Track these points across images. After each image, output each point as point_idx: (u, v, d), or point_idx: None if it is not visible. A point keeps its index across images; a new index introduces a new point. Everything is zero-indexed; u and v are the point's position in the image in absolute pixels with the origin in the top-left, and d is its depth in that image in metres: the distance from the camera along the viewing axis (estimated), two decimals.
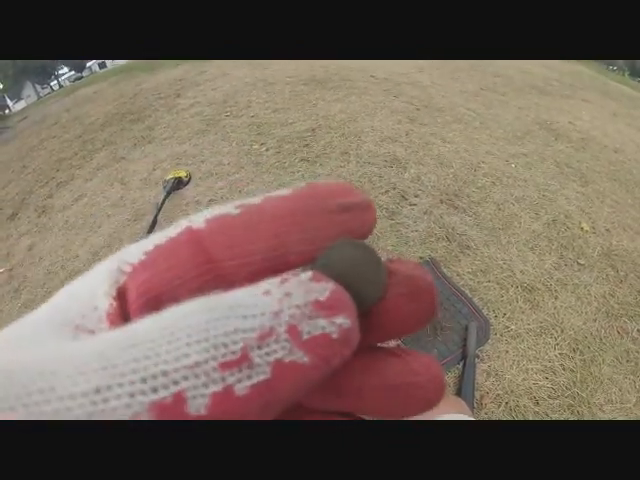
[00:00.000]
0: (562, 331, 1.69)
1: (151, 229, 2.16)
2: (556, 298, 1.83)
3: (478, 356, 1.55)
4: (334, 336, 0.11)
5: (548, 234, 2.19)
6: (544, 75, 5.67)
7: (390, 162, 2.55)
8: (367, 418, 0.15)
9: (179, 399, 0.09)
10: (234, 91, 3.83)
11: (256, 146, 2.83)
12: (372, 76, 4.00)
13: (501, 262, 1.94)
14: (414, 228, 2.06)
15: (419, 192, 2.32)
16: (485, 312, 1.69)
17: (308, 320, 0.11)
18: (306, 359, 0.10)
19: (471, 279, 1.83)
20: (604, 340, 1.72)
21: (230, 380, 0.10)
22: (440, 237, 2.02)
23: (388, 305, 0.13)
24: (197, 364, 0.09)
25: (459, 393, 1.39)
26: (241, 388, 0.10)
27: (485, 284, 1.82)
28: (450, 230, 2.07)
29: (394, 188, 2.33)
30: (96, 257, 2.23)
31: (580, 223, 2.34)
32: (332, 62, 4.62)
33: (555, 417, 1.41)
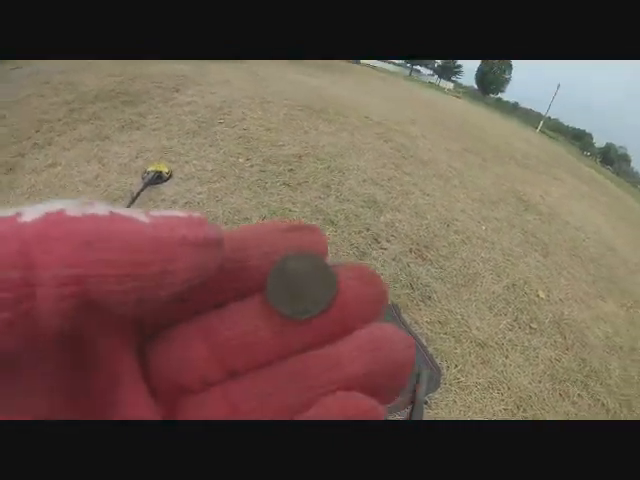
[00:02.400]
0: (508, 388, 1.75)
1: None
2: (506, 357, 1.91)
3: (426, 402, 1.58)
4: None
5: (507, 296, 2.30)
6: (525, 149, 6.04)
7: (368, 203, 2.61)
8: None
9: None
10: (231, 100, 3.78)
11: (242, 160, 2.81)
12: (366, 117, 4.10)
13: (459, 317, 2.01)
14: (381, 271, 2.10)
15: (391, 238, 2.39)
16: (438, 362, 1.74)
17: None
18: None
19: (429, 329, 1.89)
20: (547, 401, 1.78)
21: None
22: (404, 284, 2.08)
23: (342, 286, 0.14)
24: None
25: None
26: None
27: (442, 335, 1.88)
28: (415, 279, 2.13)
29: (368, 229, 2.38)
30: None
31: (537, 290, 2.47)
32: (330, 94, 4.69)
33: None
